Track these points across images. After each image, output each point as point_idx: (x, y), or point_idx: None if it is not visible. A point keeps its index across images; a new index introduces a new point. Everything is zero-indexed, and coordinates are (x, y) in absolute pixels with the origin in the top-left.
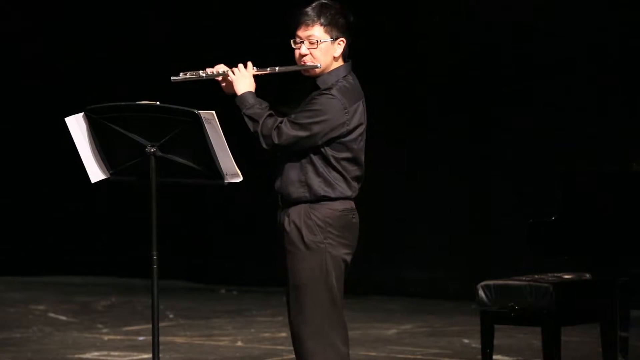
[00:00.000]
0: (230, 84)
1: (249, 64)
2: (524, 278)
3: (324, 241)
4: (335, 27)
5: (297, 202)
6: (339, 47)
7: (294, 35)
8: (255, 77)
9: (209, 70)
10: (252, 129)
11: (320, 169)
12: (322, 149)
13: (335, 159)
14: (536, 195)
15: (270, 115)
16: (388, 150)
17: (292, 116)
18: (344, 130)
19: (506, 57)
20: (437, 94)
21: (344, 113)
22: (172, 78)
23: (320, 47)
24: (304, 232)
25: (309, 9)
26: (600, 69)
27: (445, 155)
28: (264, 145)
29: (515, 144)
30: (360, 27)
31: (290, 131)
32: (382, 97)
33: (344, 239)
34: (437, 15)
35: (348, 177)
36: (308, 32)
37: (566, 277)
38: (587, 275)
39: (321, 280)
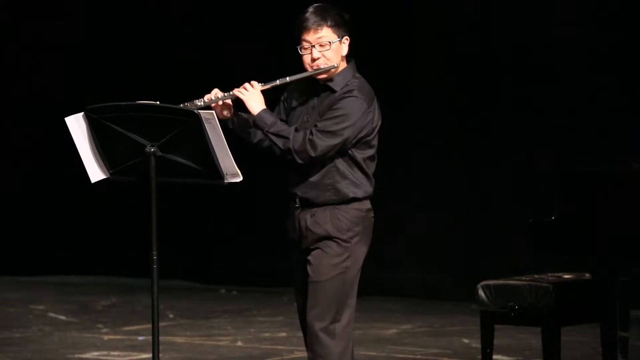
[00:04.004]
0: (227, 107)
1: (254, 82)
2: (524, 278)
3: (350, 240)
4: (340, 27)
5: (323, 203)
6: (345, 45)
7: (298, 41)
8: (264, 92)
9: (206, 98)
10: (282, 146)
11: (346, 171)
12: (349, 151)
13: (362, 158)
14: (536, 195)
15: (295, 130)
16: (387, 150)
17: (318, 125)
18: (369, 129)
19: (506, 56)
20: (436, 93)
21: (368, 112)
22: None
23: (332, 48)
24: (331, 230)
25: (311, 14)
26: (600, 69)
27: (444, 155)
28: (299, 160)
29: (515, 144)
30: (358, 27)
31: (323, 142)
32: (379, 97)
33: (365, 237)
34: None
35: (370, 174)
36: (318, 35)
37: (566, 277)
38: (587, 275)
39: (342, 278)
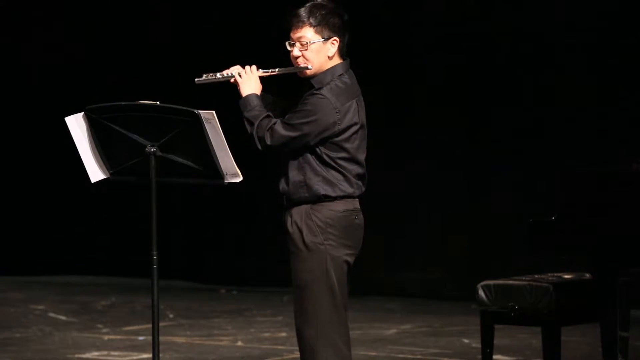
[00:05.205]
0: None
1: (254, 66)
2: (524, 278)
3: (324, 242)
4: (327, 27)
5: (299, 202)
6: (332, 46)
7: (288, 37)
8: (261, 78)
9: (224, 72)
10: (249, 131)
11: (319, 169)
12: (317, 149)
13: (331, 158)
14: (536, 195)
15: (266, 117)
16: (387, 151)
17: (286, 117)
18: (335, 129)
19: (506, 56)
20: (436, 93)
21: (334, 113)
22: (196, 80)
23: (311, 49)
24: (305, 233)
25: (300, 10)
26: (601, 68)
27: (444, 155)
28: (259, 147)
29: (515, 144)
30: (356, 24)
31: (282, 132)
32: (379, 97)
33: (346, 239)
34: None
35: (349, 175)
36: (299, 34)
37: (566, 277)
38: (587, 275)
39: (322, 282)
